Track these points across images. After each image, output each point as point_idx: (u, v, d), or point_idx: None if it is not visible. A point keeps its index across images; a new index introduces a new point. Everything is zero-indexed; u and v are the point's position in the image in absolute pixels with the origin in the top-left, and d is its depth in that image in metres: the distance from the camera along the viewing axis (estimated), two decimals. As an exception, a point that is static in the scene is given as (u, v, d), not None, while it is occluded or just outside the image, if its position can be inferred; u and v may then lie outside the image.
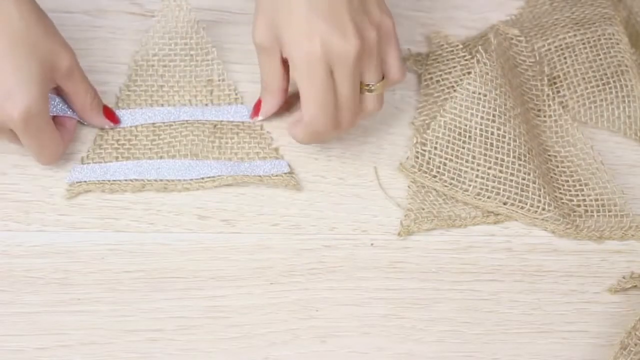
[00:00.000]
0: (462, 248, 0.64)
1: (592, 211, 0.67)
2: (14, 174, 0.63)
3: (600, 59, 0.72)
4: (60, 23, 0.68)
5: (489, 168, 0.65)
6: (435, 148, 0.66)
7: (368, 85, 0.61)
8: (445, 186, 0.66)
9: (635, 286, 0.64)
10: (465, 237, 0.65)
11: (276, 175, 0.64)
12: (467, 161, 0.66)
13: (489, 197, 0.65)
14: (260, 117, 0.66)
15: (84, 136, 0.65)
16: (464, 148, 0.66)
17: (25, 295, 0.58)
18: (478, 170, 0.66)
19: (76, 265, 0.60)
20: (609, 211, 0.67)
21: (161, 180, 0.63)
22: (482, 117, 0.66)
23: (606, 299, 0.64)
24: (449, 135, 0.67)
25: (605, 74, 0.72)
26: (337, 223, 0.64)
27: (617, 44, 0.72)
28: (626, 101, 0.71)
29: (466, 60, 0.71)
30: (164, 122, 0.65)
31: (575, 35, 0.72)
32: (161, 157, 0.64)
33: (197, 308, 0.59)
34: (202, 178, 0.63)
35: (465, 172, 0.66)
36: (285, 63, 0.61)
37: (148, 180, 0.63)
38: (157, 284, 0.60)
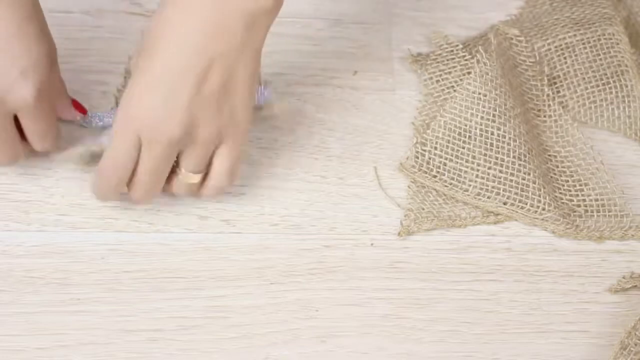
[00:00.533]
0: (462, 248, 0.64)
1: (592, 211, 0.67)
2: (14, 174, 0.63)
3: (600, 59, 0.72)
4: (60, 23, 0.68)
5: (489, 168, 0.65)
6: (435, 148, 0.66)
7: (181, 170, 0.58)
8: (445, 186, 0.66)
9: (635, 286, 0.64)
10: (465, 237, 0.65)
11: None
12: (467, 161, 0.66)
13: (489, 197, 0.65)
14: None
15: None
16: (464, 148, 0.66)
17: (25, 295, 0.58)
18: (478, 170, 0.66)
19: (76, 265, 0.60)
20: (609, 211, 0.67)
21: None
22: (482, 117, 0.66)
23: (606, 299, 0.64)
24: (449, 135, 0.67)
25: (605, 74, 0.72)
26: (337, 223, 0.64)
27: (617, 44, 0.72)
28: (626, 101, 0.71)
29: (466, 60, 0.71)
30: None
31: (575, 35, 0.72)
32: None
33: (197, 308, 0.59)
34: None
35: (465, 172, 0.66)
36: None
37: None
38: (157, 284, 0.60)
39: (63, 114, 0.63)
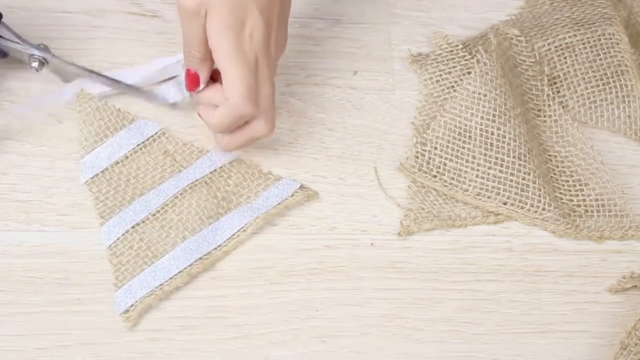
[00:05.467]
0: (462, 248, 0.64)
1: (592, 211, 0.67)
2: (14, 174, 0.63)
3: (600, 59, 0.72)
4: (60, 23, 0.68)
5: (489, 168, 0.65)
6: (435, 148, 0.66)
7: None
8: (445, 186, 0.66)
9: (635, 286, 0.64)
10: (465, 237, 0.65)
11: (293, 195, 0.63)
12: (467, 161, 0.66)
13: (489, 197, 0.65)
14: (201, 87, 0.61)
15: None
16: (464, 148, 0.66)
17: (25, 295, 0.58)
18: (478, 170, 0.66)
19: (76, 265, 0.60)
20: (609, 211, 0.67)
21: (200, 258, 0.60)
22: (482, 117, 0.66)
23: (606, 299, 0.64)
24: (449, 135, 0.67)
25: (605, 74, 0.72)
26: (337, 223, 0.64)
27: (617, 44, 0.72)
28: (626, 101, 0.71)
29: (466, 60, 0.71)
30: (158, 209, 0.62)
31: (575, 35, 0.72)
32: (184, 238, 0.61)
33: (197, 308, 0.59)
34: (233, 234, 0.61)
35: (465, 172, 0.66)
36: None
37: (190, 265, 0.60)
38: (157, 284, 0.60)
39: None
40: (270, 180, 0.64)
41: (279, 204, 0.63)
